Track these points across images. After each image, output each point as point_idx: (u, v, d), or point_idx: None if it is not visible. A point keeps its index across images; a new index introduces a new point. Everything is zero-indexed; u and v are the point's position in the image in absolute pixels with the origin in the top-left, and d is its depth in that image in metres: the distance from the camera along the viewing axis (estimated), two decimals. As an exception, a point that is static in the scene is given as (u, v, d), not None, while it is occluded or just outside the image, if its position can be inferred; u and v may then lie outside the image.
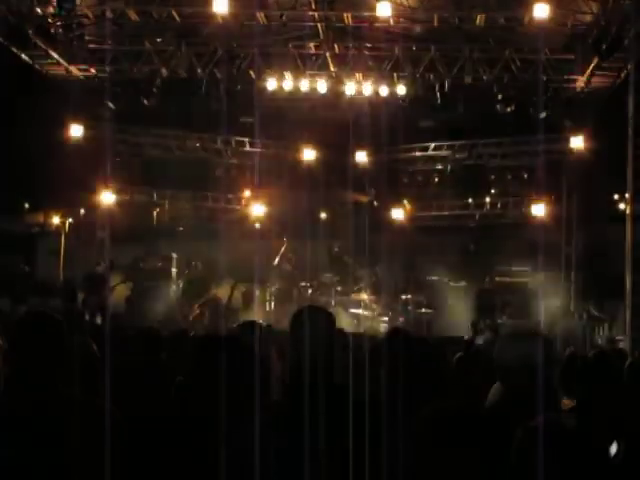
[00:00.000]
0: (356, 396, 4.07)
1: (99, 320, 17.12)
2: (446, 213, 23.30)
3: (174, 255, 22.12)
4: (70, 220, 22.50)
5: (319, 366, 4.03)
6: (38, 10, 17.23)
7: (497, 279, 20.72)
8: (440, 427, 2.87)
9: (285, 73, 19.81)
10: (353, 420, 3.79)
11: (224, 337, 2.85)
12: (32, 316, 3.82)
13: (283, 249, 21.21)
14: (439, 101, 20.85)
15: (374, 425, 3.88)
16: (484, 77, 19.64)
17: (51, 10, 17.19)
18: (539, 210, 21.25)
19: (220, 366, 2.75)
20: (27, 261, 19.32)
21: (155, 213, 23.48)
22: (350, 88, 20.25)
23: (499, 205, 22.99)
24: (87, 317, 17.09)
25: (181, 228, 23.39)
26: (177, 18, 17.66)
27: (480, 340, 16.28)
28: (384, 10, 16.63)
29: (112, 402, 3.79)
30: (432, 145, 23.20)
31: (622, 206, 21.83)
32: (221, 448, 2.69)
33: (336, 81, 20.24)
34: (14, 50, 18.16)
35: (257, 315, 19.00)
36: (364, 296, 20.56)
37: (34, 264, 19.91)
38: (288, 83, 19.97)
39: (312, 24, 18.80)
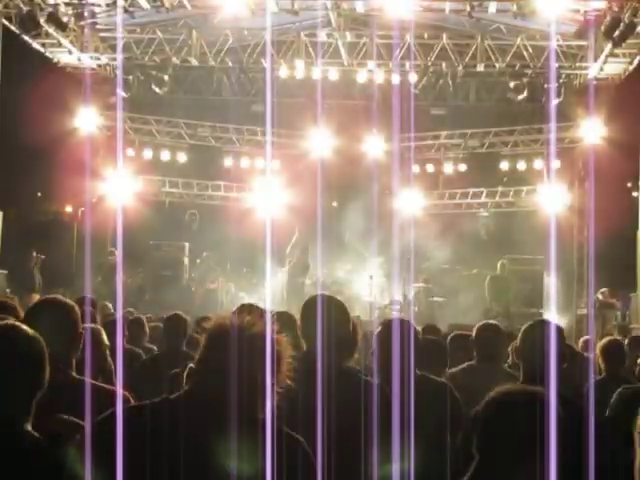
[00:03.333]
0: (367, 382, 4.12)
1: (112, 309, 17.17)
2: (458, 201, 23.28)
3: (186, 244, 22.18)
4: (82, 209, 22.57)
5: (331, 353, 4.07)
6: (50, -2, 17.28)
7: (509, 267, 20.69)
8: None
9: (297, 61, 19.81)
10: (364, 403, 3.84)
11: (234, 325, 2.86)
12: (45, 302, 3.86)
13: (295, 238, 21.24)
14: (451, 89, 20.84)
15: (384, 409, 3.93)
16: (496, 65, 19.61)
17: (63, -2, 17.25)
18: (551, 198, 21.21)
19: (230, 353, 2.77)
20: (40, 250, 19.37)
21: (167, 202, 23.54)
22: (362, 76, 20.26)
23: (511, 193, 22.97)
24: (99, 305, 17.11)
25: (193, 217, 23.42)
26: (188, 6, 17.66)
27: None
28: (396, -2, 16.62)
29: (124, 389, 3.85)
30: (444, 133, 23.16)
31: (635, 194, 21.79)
32: (231, 436, 2.72)
33: (348, 69, 20.24)
34: (26, 38, 18.22)
35: (269, 304, 19.07)
36: (376, 284, 20.57)
37: (47, 253, 19.97)
38: (300, 71, 19.97)
39: (324, 12, 18.79)
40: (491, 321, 7.14)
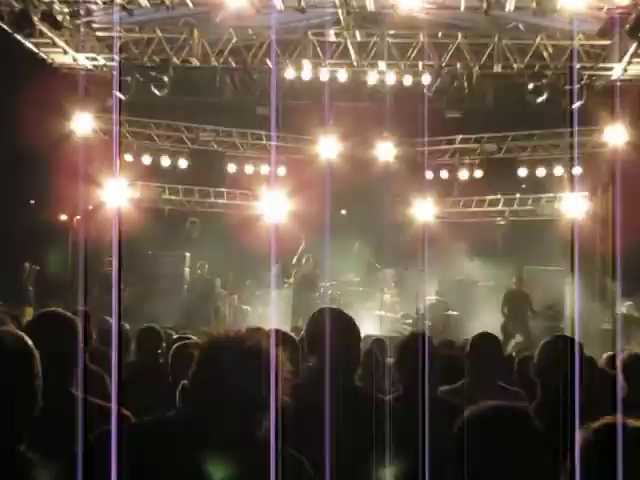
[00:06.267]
0: (377, 399, 4.17)
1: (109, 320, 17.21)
2: (474, 209, 23.29)
3: (187, 254, 22.24)
4: (78, 217, 22.65)
5: (338, 369, 4.12)
6: (44, -4, 17.38)
7: (528, 279, 20.67)
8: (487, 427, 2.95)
9: (304, 62, 19.88)
10: (376, 422, 3.88)
11: (229, 339, 2.90)
12: (45, 316, 3.91)
13: (301, 248, 21.28)
14: (467, 91, 20.88)
15: (396, 430, 3.96)
16: (514, 65, 19.64)
17: (58, -4, 17.35)
18: (573, 206, 21.23)
19: (225, 370, 2.81)
20: (33, 261, 19.45)
21: (167, 210, 23.61)
22: (372, 78, 20.31)
23: (530, 201, 22.96)
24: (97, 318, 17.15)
25: (194, 225, 23.47)
26: (189, 4, 17.74)
27: (511, 344, 16.34)
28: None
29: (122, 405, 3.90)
30: (459, 137, 23.20)
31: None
32: (227, 454, 2.76)
33: (357, 70, 20.29)
34: (18, 38, 18.31)
35: (273, 318, 19.09)
36: (387, 297, 20.60)
37: (41, 264, 20.05)
38: (307, 72, 20.03)
39: (332, 10, 18.85)
40: (487, 332, 7.13)
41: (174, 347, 7.19)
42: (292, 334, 5.79)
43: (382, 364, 7.60)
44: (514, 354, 9.93)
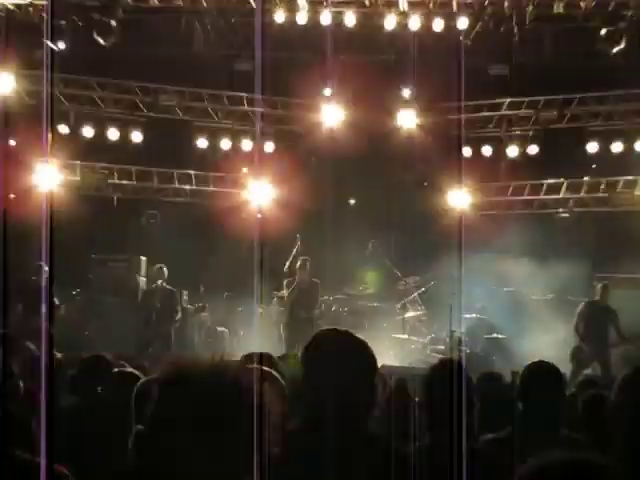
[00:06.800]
0: (397, 451, 4.18)
1: (35, 349, 17.22)
2: (527, 197, 23.30)
3: (142, 258, 22.24)
4: (-4, 209, 22.72)
5: (346, 411, 4.12)
6: None
7: (602, 289, 20.61)
8: None
9: (299, 0, 19.91)
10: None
11: (199, 372, 2.90)
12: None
13: (296, 250, 21.29)
14: (517, 39, 20.88)
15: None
16: (581, 4, 19.66)
17: None
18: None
19: (193, 409, 2.81)
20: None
21: (115, 198, 23.61)
22: (390, 22, 20.32)
23: (603, 186, 22.95)
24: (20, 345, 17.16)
25: (152, 220, 23.50)
26: None
27: (581, 375, 16.30)
28: None
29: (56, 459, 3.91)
30: (507, 101, 23.20)
31: None
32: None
33: (370, 12, 20.30)
34: None
35: (258, 343, 19.12)
36: (411, 315, 20.61)
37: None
38: (303, 15, 20.05)
39: None
40: (544, 361, 7.11)
41: (134, 384, 7.20)
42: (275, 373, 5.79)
43: (405, 404, 7.61)
44: (574, 390, 9.94)
